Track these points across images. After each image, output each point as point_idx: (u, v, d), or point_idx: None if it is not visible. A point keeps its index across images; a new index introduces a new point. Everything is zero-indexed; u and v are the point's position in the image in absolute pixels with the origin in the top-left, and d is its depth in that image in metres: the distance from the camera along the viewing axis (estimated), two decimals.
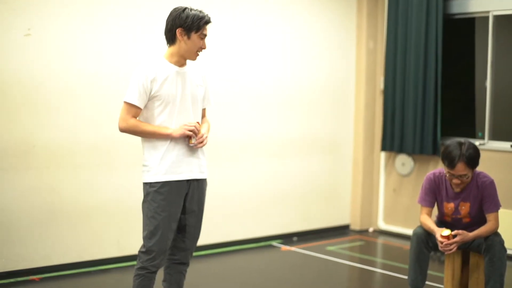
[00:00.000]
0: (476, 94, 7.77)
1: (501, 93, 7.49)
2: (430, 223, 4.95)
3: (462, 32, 7.91)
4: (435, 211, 5.19)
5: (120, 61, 6.31)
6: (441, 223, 5.12)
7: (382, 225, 8.35)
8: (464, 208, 4.96)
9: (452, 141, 4.88)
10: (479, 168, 4.99)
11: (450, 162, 4.80)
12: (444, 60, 7.69)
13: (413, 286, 5.04)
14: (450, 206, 4.99)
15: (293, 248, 7.37)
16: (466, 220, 4.99)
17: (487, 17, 7.46)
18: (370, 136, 8.40)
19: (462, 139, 4.89)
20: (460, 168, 4.78)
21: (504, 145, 7.30)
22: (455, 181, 4.85)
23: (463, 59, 8.00)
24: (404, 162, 8.10)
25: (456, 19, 7.78)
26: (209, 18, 4.13)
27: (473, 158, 4.80)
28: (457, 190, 4.92)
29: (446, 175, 4.91)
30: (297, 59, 7.79)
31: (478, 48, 7.72)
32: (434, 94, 7.65)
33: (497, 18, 7.42)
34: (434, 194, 5.06)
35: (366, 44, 8.28)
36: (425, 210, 5.06)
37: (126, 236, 6.41)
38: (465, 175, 4.81)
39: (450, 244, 4.78)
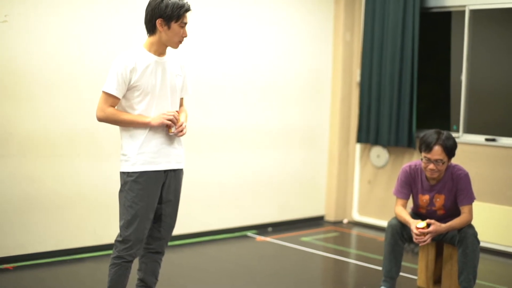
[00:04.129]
0: (451, 87, 7.83)
1: (476, 87, 7.55)
2: (405, 214, 5.00)
3: (438, 25, 7.97)
4: (410, 203, 5.25)
5: (101, 49, 6.26)
6: (416, 215, 5.18)
7: (357, 216, 8.41)
8: (439, 201, 5.01)
9: (430, 130, 4.95)
10: (453, 161, 5.04)
11: (427, 145, 4.85)
12: (420, 53, 7.75)
13: (387, 277, 5.09)
14: (425, 198, 5.04)
15: (268, 239, 7.39)
16: (441, 212, 5.05)
17: (463, 11, 7.51)
18: (346, 128, 8.44)
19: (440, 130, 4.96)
20: (437, 151, 4.82)
21: (478, 138, 7.38)
22: (430, 166, 4.88)
23: (439, 52, 8.06)
24: (379, 154, 8.16)
25: (432, 12, 7.83)
26: (189, 5, 4.09)
27: (450, 145, 4.86)
28: (433, 177, 4.94)
29: (422, 163, 4.95)
30: (274, 50, 7.79)
31: (454, 42, 7.78)
32: (410, 87, 7.70)
33: (473, 12, 7.48)
34: (409, 186, 5.11)
35: (343, 36, 8.30)
36: (400, 202, 5.11)
37: (103, 225, 6.38)
38: (441, 160, 4.85)
39: (424, 235, 4.83)
